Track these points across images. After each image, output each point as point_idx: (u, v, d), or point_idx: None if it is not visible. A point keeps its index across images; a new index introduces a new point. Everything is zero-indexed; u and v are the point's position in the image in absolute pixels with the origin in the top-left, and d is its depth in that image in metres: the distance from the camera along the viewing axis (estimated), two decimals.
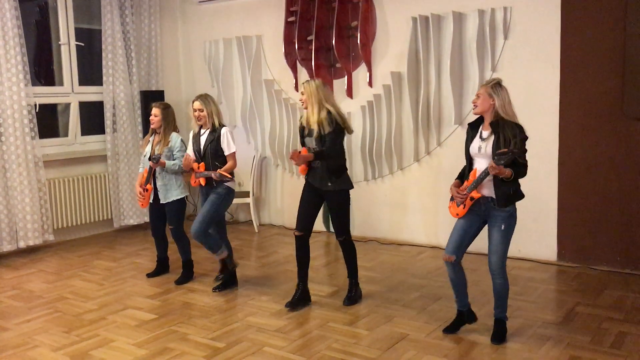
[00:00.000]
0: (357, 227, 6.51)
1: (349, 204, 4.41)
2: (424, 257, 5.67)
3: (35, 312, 4.47)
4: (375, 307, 4.38)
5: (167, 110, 5.02)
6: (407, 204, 6.15)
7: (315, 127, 4.21)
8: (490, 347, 3.65)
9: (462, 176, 3.78)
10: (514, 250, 5.42)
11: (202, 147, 4.70)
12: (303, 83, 4.32)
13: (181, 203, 5.05)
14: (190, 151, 4.79)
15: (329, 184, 4.24)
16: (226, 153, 4.66)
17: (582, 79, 5.04)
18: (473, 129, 3.72)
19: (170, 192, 4.96)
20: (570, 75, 5.10)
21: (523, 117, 5.17)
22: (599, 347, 3.61)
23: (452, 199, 3.80)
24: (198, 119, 4.71)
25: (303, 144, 4.39)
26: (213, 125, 4.69)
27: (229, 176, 4.55)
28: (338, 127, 4.21)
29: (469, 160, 3.72)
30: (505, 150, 3.42)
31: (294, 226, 4.37)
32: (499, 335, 3.73)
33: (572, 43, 5.06)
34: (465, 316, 3.88)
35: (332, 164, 4.23)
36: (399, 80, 6.00)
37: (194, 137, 4.80)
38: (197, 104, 4.70)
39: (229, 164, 4.65)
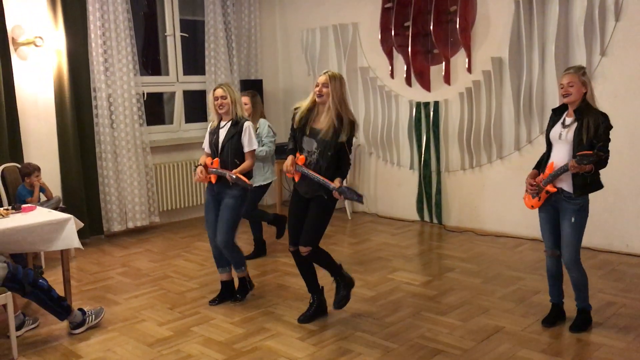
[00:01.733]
0: (453, 217, 6.40)
1: (331, 216, 3.88)
2: (523, 249, 5.48)
3: (143, 288, 4.76)
4: (470, 298, 4.30)
5: (255, 98, 5.19)
6: (506, 194, 5.95)
7: (324, 128, 3.66)
8: (592, 344, 3.49)
9: (540, 165, 3.70)
10: (621, 245, 5.16)
11: (220, 141, 4.15)
12: (326, 72, 3.73)
13: (262, 190, 5.23)
14: (205, 145, 4.31)
15: (325, 196, 3.72)
16: (246, 150, 4.14)
17: None
18: (557, 115, 3.63)
19: (256, 177, 5.06)
20: None
21: (635, 104, 4.90)
22: None
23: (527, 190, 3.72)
24: (220, 107, 4.13)
25: (295, 140, 3.84)
26: (236, 117, 4.17)
27: (247, 181, 4.01)
28: (351, 138, 3.72)
29: (549, 146, 3.63)
30: (590, 152, 3.29)
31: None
32: (580, 324, 3.65)
33: None
34: (560, 312, 3.80)
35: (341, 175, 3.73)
36: (500, 66, 5.80)
37: (211, 130, 4.25)
38: (219, 91, 4.14)
39: (247, 162, 4.13)
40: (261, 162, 5.13)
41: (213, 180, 4.13)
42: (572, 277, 3.62)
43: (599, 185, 3.51)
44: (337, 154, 3.70)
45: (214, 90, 4.18)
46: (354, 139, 3.82)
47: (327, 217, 3.82)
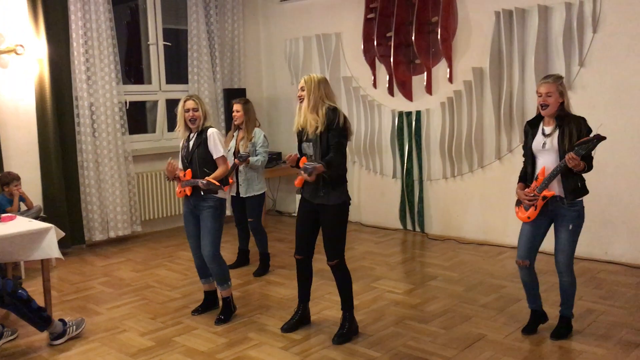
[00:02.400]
0: (435, 226, 6.44)
1: (347, 221, 3.82)
2: (504, 257, 5.53)
3: (124, 298, 4.72)
4: (453, 306, 4.32)
5: (247, 105, 5.16)
6: (488, 202, 6.01)
7: (309, 127, 3.65)
8: (572, 351, 3.53)
9: (524, 179, 3.73)
10: (600, 252, 5.22)
11: (189, 152, 4.11)
12: (304, 77, 3.72)
13: (261, 198, 5.19)
14: (180, 159, 4.24)
15: (326, 197, 3.67)
16: (215, 157, 4.07)
17: None
18: (533, 127, 3.65)
19: (252, 187, 5.11)
20: None
21: (612, 113, 4.99)
22: None
23: (517, 203, 3.75)
24: (191, 120, 4.06)
25: (300, 150, 3.83)
26: (201, 127, 4.10)
27: (217, 184, 3.93)
28: (343, 128, 3.64)
29: (531, 158, 3.65)
30: (587, 138, 3.34)
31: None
32: (561, 331, 3.68)
33: None
34: (540, 316, 3.84)
35: (333, 172, 3.63)
36: (481, 76, 5.87)
37: (183, 143, 4.19)
38: (190, 103, 4.07)
39: (219, 170, 4.05)
40: (255, 172, 5.11)
41: (188, 193, 4.06)
42: (563, 282, 3.65)
43: (586, 190, 3.56)
44: (327, 146, 3.64)
45: (185, 101, 4.10)
46: (340, 124, 3.65)
47: (342, 224, 3.75)
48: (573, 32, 5.21)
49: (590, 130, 3.47)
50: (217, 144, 4.06)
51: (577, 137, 3.41)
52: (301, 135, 3.77)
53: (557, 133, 3.50)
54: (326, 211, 3.69)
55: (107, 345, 3.81)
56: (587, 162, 3.42)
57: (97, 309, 4.49)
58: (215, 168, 4.07)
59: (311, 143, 3.68)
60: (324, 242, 3.77)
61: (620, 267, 5.07)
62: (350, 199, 3.81)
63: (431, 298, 4.51)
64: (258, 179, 5.14)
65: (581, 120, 3.48)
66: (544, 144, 3.55)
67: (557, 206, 3.56)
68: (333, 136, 3.61)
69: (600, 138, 3.31)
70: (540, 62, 5.41)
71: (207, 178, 3.95)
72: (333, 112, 3.63)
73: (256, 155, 5.06)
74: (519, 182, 3.76)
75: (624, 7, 4.97)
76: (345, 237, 3.79)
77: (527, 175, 3.71)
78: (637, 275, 4.87)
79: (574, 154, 3.34)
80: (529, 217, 3.66)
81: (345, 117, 3.68)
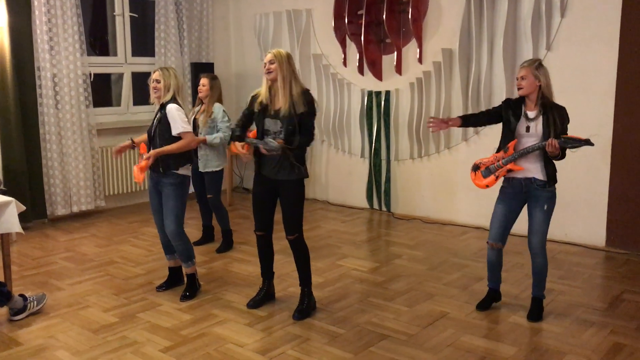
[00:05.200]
0: (401, 206, 6.50)
1: (304, 196, 3.83)
2: (468, 237, 5.63)
3: (87, 274, 4.66)
4: (417, 284, 4.39)
5: (214, 81, 5.10)
6: (453, 183, 6.09)
7: (282, 105, 3.59)
8: (531, 329, 3.62)
9: (466, 117, 3.85)
10: (560, 234, 5.35)
11: (152, 126, 4.05)
12: (272, 50, 3.66)
13: (219, 174, 5.15)
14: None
15: (292, 173, 3.65)
16: (173, 132, 3.95)
17: None
18: (515, 108, 3.68)
19: (210, 162, 5.06)
20: (629, 56, 4.91)
21: (577, 98, 5.08)
22: None
23: (475, 168, 3.81)
24: (154, 90, 4.00)
25: (258, 124, 3.72)
26: (162, 101, 4.01)
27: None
28: (313, 110, 3.66)
29: (506, 136, 3.70)
30: (578, 137, 3.41)
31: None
32: (537, 313, 3.76)
33: (633, 23, 4.85)
34: (496, 294, 3.97)
35: (301, 152, 3.65)
36: (450, 58, 5.90)
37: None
38: (155, 74, 4.01)
39: (178, 142, 3.94)
40: (214, 148, 5.07)
41: (145, 169, 3.93)
42: (537, 263, 3.73)
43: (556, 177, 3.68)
44: (299, 127, 3.62)
45: (154, 72, 4.06)
46: (316, 107, 3.70)
47: (301, 199, 3.77)
48: (541, 16, 5.26)
49: (568, 121, 3.56)
50: (176, 119, 3.93)
51: (561, 127, 3.50)
52: (265, 109, 3.68)
53: (541, 119, 3.57)
54: (287, 187, 3.70)
55: (69, 321, 3.76)
56: (562, 151, 3.50)
57: (59, 284, 4.43)
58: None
59: (278, 120, 3.61)
60: (283, 217, 3.77)
61: (579, 249, 5.21)
62: (308, 175, 3.81)
63: (395, 276, 4.57)
64: (217, 156, 5.09)
65: (563, 110, 3.56)
66: (528, 127, 3.61)
67: (532, 188, 3.64)
68: (307, 119, 3.63)
69: (589, 143, 3.40)
70: (508, 45, 5.45)
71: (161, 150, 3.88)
72: (309, 94, 3.65)
73: (217, 132, 5.01)
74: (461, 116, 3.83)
75: None
76: (303, 212, 3.80)
77: (469, 118, 3.83)
78: (594, 256, 5.01)
79: (557, 144, 3.41)
80: (487, 185, 3.73)
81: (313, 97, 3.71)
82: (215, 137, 4.97)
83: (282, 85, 3.59)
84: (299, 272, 3.87)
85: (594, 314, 3.85)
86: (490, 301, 3.95)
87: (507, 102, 3.77)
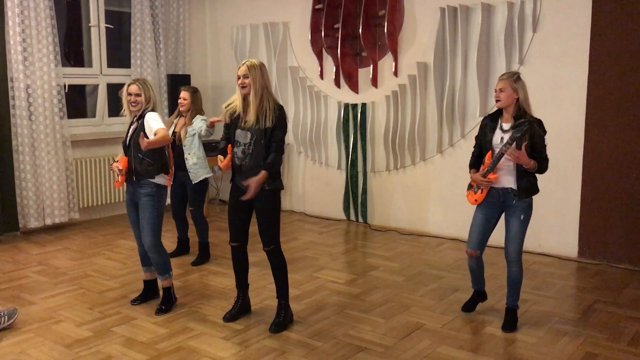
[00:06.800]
0: (377, 217, 6.53)
1: (280, 206, 3.83)
2: (444, 248, 5.67)
3: (61, 287, 4.58)
4: (393, 296, 4.41)
5: (195, 95, 5.08)
6: (429, 195, 6.15)
7: (252, 117, 3.59)
8: (506, 340, 3.66)
9: (475, 165, 3.85)
10: (534, 245, 5.42)
11: (126, 137, 4.00)
12: (245, 63, 3.63)
13: (205, 184, 5.12)
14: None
15: (266, 186, 3.63)
16: (150, 132, 3.86)
17: (611, 76, 4.97)
18: (493, 121, 3.76)
19: (200, 170, 5.01)
20: (599, 71, 5.03)
21: (549, 111, 5.17)
22: (616, 344, 3.59)
23: (469, 187, 3.88)
24: (133, 104, 3.94)
25: (230, 135, 3.74)
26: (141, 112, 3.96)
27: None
28: (284, 125, 3.66)
29: (480, 149, 3.79)
30: (522, 120, 3.49)
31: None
32: (511, 323, 3.80)
33: (603, 38, 4.98)
34: (480, 295, 4.08)
35: (273, 170, 3.64)
36: (425, 71, 5.97)
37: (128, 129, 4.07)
38: (133, 88, 3.92)
39: (158, 135, 3.83)
40: (202, 156, 5.00)
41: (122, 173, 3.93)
42: (512, 272, 3.77)
43: (537, 189, 3.72)
44: (269, 142, 3.63)
45: (129, 85, 3.96)
46: (286, 123, 3.71)
47: (277, 211, 3.76)
48: (514, 30, 5.36)
49: (545, 132, 3.61)
50: (151, 121, 3.87)
51: (531, 141, 3.54)
52: (237, 121, 3.69)
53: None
54: (263, 198, 3.68)
55: (41, 336, 3.70)
56: (540, 163, 3.56)
57: (31, 298, 4.35)
58: (151, 154, 3.90)
59: (249, 132, 3.62)
60: (259, 229, 3.76)
61: (552, 259, 5.29)
62: (283, 187, 3.80)
63: (372, 288, 4.58)
64: (204, 164, 5.05)
65: (539, 123, 3.61)
66: (502, 138, 3.66)
67: (509, 198, 3.69)
68: (277, 134, 3.62)
69: (530, 123, 3.47)
70: (482, 59, 5.55)
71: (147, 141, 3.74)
72: (281, 110, 3.65)
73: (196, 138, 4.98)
74: (470, 168, 3.85)
75: (562, 8, 5.15)
76: (279, 222, 3.79)
77: (476, 162, 3.84)
78: (567, 267, 5.09)
79: (512, 148, 3.48)
80: (476, 200, 3.79)
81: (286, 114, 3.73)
82: (199, 129, 4.91)
83: (254, 99, 3.59)
84: (277, 284, 3.85)
85: (567, 324, 3.90)
86: (475, 302, 4.05)
87: (484, 120, 3.82)
